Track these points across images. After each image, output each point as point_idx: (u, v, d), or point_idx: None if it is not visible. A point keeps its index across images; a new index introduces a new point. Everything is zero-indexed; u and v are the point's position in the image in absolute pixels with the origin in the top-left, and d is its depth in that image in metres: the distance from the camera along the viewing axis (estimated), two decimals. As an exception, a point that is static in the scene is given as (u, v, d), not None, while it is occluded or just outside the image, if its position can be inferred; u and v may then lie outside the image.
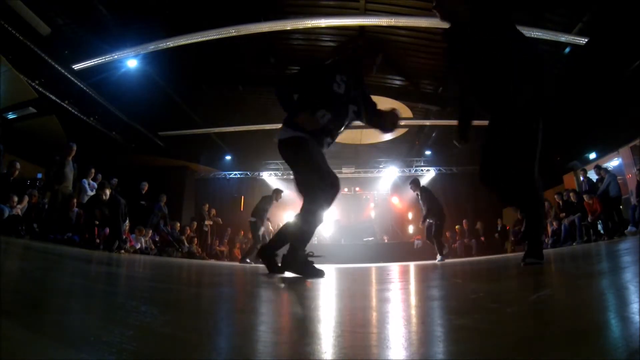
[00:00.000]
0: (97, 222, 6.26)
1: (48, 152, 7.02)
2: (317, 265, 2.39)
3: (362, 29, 7.81)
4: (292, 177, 2.56)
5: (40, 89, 7.53)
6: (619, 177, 7.32)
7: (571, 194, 7.71)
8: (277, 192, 7.23)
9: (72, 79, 7.56)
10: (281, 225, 5.95)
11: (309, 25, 6.93)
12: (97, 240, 6.24)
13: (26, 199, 6.34)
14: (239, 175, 13.11)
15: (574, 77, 7.63)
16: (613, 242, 5.51)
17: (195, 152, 12.30)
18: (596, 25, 6.24)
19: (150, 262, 4.46)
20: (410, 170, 12.83)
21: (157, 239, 8.30)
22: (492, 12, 2.16)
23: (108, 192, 6.25)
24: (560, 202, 7.83)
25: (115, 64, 7.45)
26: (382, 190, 13.69)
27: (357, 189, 13.76)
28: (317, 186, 2.28)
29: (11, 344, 0.54)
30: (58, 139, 8.36)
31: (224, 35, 6.73)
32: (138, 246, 7.46)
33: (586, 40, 6.37)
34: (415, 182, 6.80)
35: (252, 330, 0.79)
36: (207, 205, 10.60)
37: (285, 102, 2.39)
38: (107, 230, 6.33)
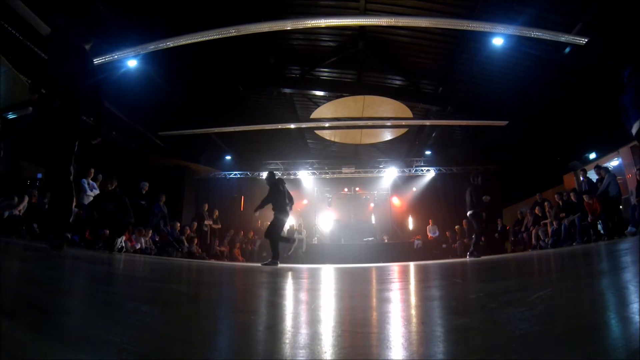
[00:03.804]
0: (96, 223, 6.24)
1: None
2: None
3: (362, 29, 7.81)
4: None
5: (40, 89, 7.52)
6: (619, 177, 7.31)
7: (571, 194, 7.70)
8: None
9: (72, 79, 7.55)
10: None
11: (309, 25, 6.92)
12: (97, 241, 6.23)
13: (26, 199, 6.34)
14: (239, 175, 13.11)
15: (574, 77, 7.63)
16: (613, 242, 5.50)
17: (195, 152, 12.29)
18: (596, 25, 6.24)
19: (157, 262, 4.46)
20: (410, 170, 12.82)
21: (157, 239, 8.29)
22: None
23: (115, 184, 6.22)
24: (560, 202, 7.83)
25: (115, 64, 7.45)
26: (382, 190, 13.68)
27: (357, 189, 13.76)
28: None
29: (11, 344, 0.54)
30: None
31: (224, 35, 6.72)
32: (138, 246, 7.46)
33: (586, 40, 6.37)
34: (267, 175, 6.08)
35: (252, 330, 0.79)
36: (207, 205, 10.59)
37: None
38: (107, 230, 6.31)
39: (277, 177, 6.03)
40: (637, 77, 3.88)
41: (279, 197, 5.73)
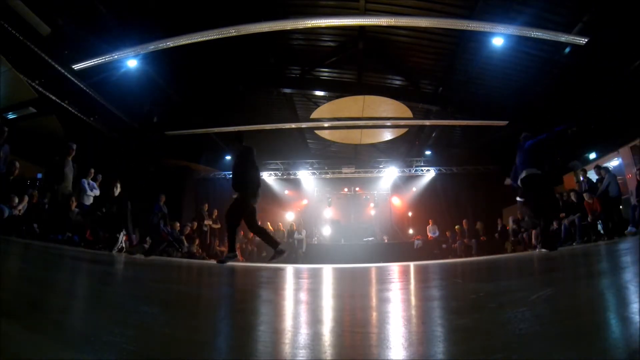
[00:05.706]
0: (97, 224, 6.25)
1: (48, 152, 7.01)
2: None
3: (362, 29, 7.80)
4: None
5: (40, 89, 7.52)
6: (619, 177, 7.30)
7: (571, 194, 7.70)
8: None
9: (72, 79, 7.55)
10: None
11: (309, 25, 6.92)
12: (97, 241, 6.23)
13: (26, 199, 6.34)
14: (239, 175, 13.08)
15: (574, 77, 7.63)
16: (613, 242, 5.50)
17: (195, 152, 12.29)
18: (596, 25, 6.24)
19: (156, 262, 4.46)
20: (410, 170, 12.82)
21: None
22: None
23: (119, 187, 6.23)
24: (560, 202, 7.82)
25: (115, 64, 7.44)
26: (382, 190, 13.68)
27: (357, 189, 13.76)
28: None
29: (11, 344, 0.54)
30: (58, 139, 8.34)
31: (224, 35, 6.71)
32: (138, 246, 7.46)
33: (586, 40, 6.37)
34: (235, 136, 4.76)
35: (253, 330, 0.79)
36: (207, 205, 10.59)
37: None
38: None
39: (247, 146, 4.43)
40: (525, 143, 5.02)
41: (253, 171, 4.26)
